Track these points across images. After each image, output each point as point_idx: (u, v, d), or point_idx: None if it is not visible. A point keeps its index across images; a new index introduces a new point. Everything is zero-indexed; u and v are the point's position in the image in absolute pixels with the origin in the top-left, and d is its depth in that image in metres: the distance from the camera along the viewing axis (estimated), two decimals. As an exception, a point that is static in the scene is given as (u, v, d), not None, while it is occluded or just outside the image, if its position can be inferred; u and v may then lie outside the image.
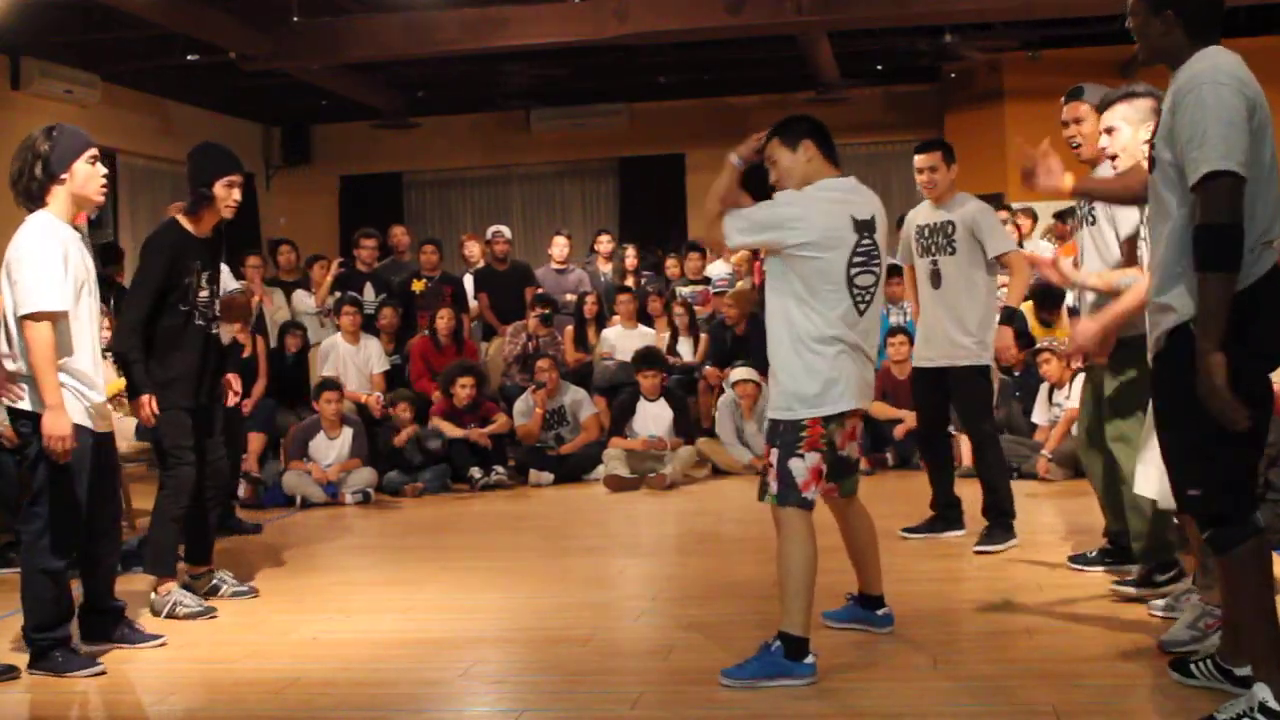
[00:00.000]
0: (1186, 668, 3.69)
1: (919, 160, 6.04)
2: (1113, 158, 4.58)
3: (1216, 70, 3.21)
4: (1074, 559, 5.41)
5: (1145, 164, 3.76)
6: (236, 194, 5.34)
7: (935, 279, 6.01)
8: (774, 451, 4.02)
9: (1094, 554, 5.33)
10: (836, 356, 4.00)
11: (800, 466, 3.99)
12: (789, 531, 3.99)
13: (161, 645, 4.78)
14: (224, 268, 7.33)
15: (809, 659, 3.94)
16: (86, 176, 4.49)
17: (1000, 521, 5.92)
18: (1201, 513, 3.35)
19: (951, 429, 6.45)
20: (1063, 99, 5.15)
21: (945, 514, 6.23)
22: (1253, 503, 3.32)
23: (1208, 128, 3.15)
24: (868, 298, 4.04)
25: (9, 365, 4.43)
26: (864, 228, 4.03)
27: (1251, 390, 3.23)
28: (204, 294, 5.32)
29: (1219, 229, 3.15)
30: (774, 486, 4.01)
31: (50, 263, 4.34)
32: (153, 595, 5.29)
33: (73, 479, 4.41)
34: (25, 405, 4.40)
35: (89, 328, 4.53)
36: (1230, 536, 3.26)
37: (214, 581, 5.56)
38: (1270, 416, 3.35)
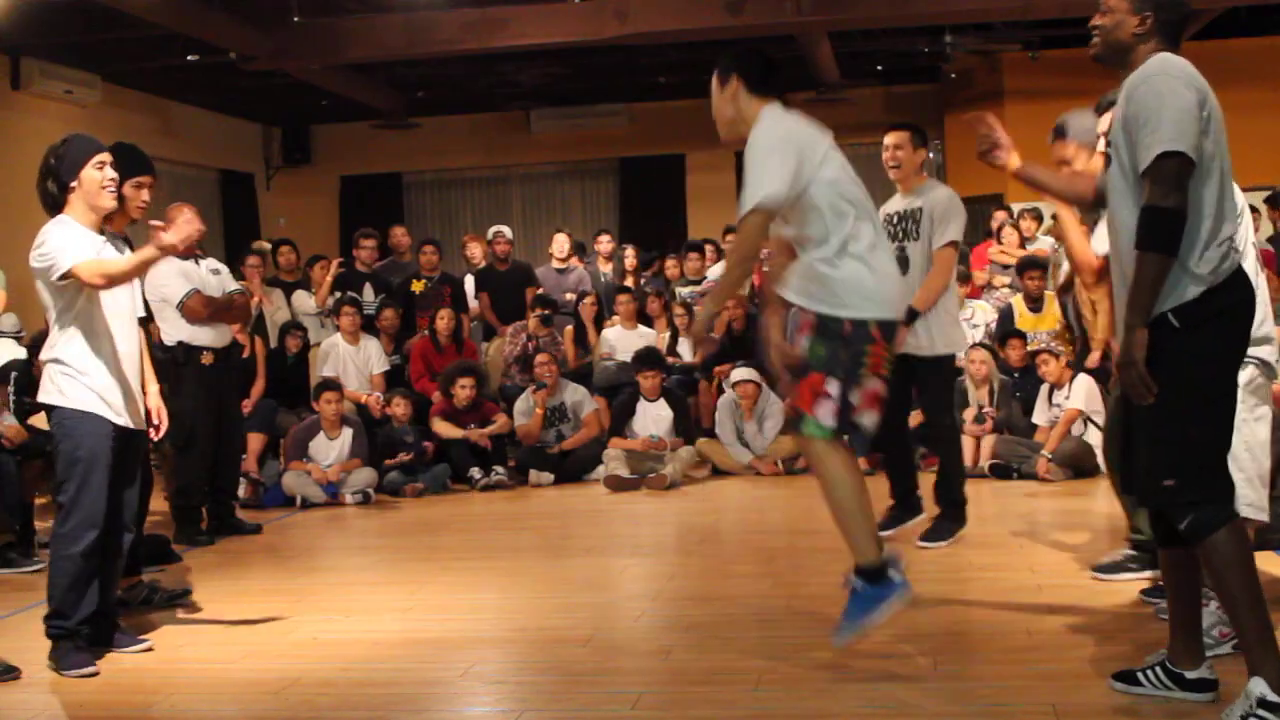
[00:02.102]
0: (1133, 677, 3.65)
1: (886, 139, 6.05)
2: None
3: (1167, 65, 3.33)
4: (1099, 569, 5.16)
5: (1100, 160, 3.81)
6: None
7: (903, 265, 5.85)
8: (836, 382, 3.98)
9: (1120, 558, 5.15)
10: None
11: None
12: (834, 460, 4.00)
13: (149, 650, 4.75)
14: (223, 268, 7.41)
15: (895, 576, 3.93)
16: (92, 182, 4.56)
17: (950, 511, 5.90)
18: (1175, 504, 3.36)
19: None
20: (1049, 138, 5.00)
21: (906, 501, 6.03)
22: (1229, 488, 3.34)
23: (1161, 113, 3.25)
24: None
25: (43, 354, 4.64)
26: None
27: (1221, 381, 3.33)
28: None
29: (1164, 211, 3.24)
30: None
31: (63, 236, 4.46)
32: None
33: (89, 467, 4.48)
34: (48, 399, 4.54)
35: (111, 325, 4.58)
36: (1206, 522, 3.28)
37: (145, 593, 5.44)
38: (1235, 407, 3.41)
